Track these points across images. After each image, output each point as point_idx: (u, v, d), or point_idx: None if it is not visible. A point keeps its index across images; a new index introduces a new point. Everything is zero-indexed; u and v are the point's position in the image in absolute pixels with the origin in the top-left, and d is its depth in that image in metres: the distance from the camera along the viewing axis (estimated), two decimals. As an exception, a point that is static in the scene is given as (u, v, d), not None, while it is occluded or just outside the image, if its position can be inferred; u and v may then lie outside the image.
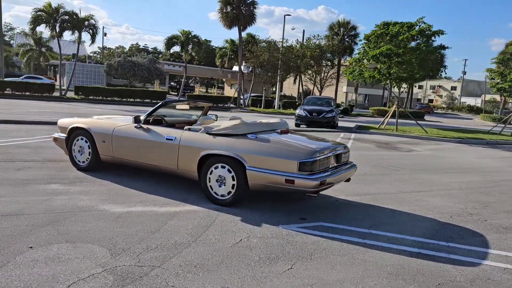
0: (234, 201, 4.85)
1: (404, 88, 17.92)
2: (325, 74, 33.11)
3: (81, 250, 3.36)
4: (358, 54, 17.95)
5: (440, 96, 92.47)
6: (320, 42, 32.63)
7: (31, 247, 3.33)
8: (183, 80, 37.27)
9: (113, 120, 6.11)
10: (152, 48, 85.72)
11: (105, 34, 74.87)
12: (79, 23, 26.42)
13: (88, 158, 6.03)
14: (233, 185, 4.81)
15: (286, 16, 40.49)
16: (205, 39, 72.68)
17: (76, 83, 36.71)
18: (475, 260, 3.83)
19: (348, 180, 5.53)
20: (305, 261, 3.50)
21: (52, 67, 52.13)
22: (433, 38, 16.59)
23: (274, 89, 41.68)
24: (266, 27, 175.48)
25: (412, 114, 35.22)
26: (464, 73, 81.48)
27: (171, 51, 45.74)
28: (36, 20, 25.43)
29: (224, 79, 61.76)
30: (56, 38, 27.09)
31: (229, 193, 4.86)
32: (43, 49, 48.15)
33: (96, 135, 5.86)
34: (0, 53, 29.42)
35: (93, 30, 27.31)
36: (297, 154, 4.56)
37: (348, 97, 62.04)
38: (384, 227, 4.61)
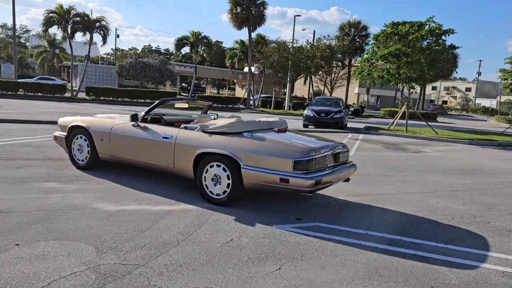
0: (230, 200, 4.79)
1: (414, 88, 17.60)
2: (336, 75, 32.87)
3: (67, 248, 3.33)
4: (367, 54, 17.74)
5: (455, 98, 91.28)
6: (330, 43, 32.43)
7: (17, 245, 3.31)
8: (193, 81, 37.36)
9: (111, 118, 6.10)
10: (164, 50, 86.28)
11: (118, 36, 75.66)
12: (90, 25, 26.68)
13: (87, 157, 6.03)
14: (228, 184, 4.75)
15: (298, 17, 40.40)
16: (217, 40, 73.05)
17: (88, 84, 37.12)
18: (472, 263, 3.70)
19: (347, 180, 5.43)
20: (295, 262, 3.42)
21: (65, 68, 52.79)
22: (443, 37, 16.32)
23: (284, 90, 41.54)
24: (279, 29, 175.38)
25: (424, 115, 34.86)
26: (479, 74, 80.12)
27: (182, 52, 45.93)
28: (48, 22, 25.75)
29: (235, 80, 61.88)
30: (68, 39, 27.39)
31: (224, 192, 4.80)
32: (57, 51, 48.77)
33: (95, 134, 5.86)
34: (14, 55, 29.88)
35: (104, 32, 27.54)
36: (292, 152, 4.48)
37: (360, 98, 61.63)
38: (381, 228, 4.50)
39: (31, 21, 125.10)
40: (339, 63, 33.08)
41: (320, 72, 32.38)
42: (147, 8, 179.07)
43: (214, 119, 5.75)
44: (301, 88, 53.43)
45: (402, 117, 18.82)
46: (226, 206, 4.78)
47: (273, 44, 32.42)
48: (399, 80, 16.98)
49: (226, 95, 52.87)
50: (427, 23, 16.33)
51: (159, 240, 3.65)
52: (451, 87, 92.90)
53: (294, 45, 31.78)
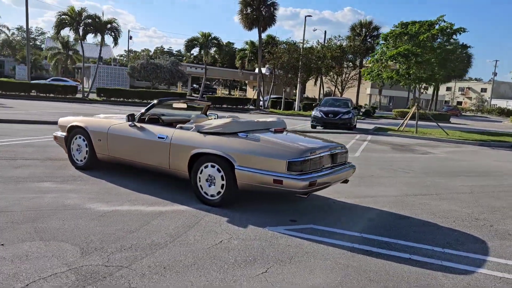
0: (224, 201, 4.72)
1: (425, 89, 17.34)
2: (347, 76, 32.61)
3: (52, 248, 3.30)
4: (376, 54, 17.52)
5: (470, 98, 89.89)
6: (341, 43, 32.19)
7: (2, 245, 3.30)
8: (203, 82, 37.45)
9: (110, 118, 6.09)
10: (176, 51, 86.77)
11: (130, 38, 76.23)
12: (101, 26, 26.97)
13: (85, 157, 6.03)
14: (223, 185, 4.69)
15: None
16: (228, 42, 73.15)
17: (100, 85, 37.50)
18: (469, 268, 3.57)
19: (345, 181, 5.32)
20: (282, 265, 3.34)
21: (79, 70, 53.37)
22: (454, 36, 16.03)
23: (295, 91, 41.37)
24: (292, 29, 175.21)
25: (436, 116, 34.38)
26: (495, 74, 78.96)
27: (194, 53, 46.20)
28: (60, 24, 26.09)
29: (246, 81, 61.87)
30: (79, 41, 27.71)
31: (218, 193, 4.73)
32: (70, 52, 49.31)
33: (93, 134, 5.86)
34: (27, 57, 30.33)
35: (115, 33, 27.83)
36: (286, 153, 4.40)
37: (372, 99, 61.11)
38: (377, 231, 4.39)
39: (47, 23, 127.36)
40: (350, 63, 32.80)
41: (331, 73, 32.17)
42: (161, 10, 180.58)
43: (215, 119, 5.69)
44: (313, 89, 53.16)
45: (414, 118, 18.54)
46: (221, 207, 4.72)
47: (283, 44, 32.29)
48: (409, 81, 16.73)
49: (237, 96, 52.84)
50: (438, 22, 16.06)
51: (146, 242, 3.60)
52: (466, 87, 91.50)
53: (305, 45, 31.62)
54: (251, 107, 32.17)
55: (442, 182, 7.43)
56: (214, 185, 4.75)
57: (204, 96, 35.37)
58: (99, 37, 27.67)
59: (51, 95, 25.61)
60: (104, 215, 4.22)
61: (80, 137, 6.04)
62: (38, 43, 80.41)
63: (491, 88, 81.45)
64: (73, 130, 6.12)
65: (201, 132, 4.95)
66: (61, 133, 6.35)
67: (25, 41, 74.91)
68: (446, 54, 16.04)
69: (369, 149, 11.84)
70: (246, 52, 37.57)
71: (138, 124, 5.51)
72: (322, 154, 4.68)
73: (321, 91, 39.12)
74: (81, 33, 26.59)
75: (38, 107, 18.19)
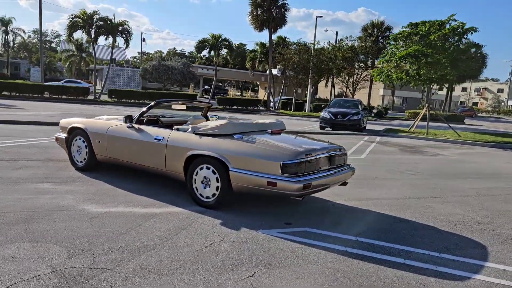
0: (219, 203, 4.67)
1: (436, 89, 17.05)
2: (358, 76, 32.31)
3: (40, 250, 3.29)
4: (385, 56, 17.30)
5: (486, 99, 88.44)
6: (353, 44, 31.92)
7: (-10, 245, 3.30)
8: (213, 83, 37.53)
9: (110, 120, 6.10)
10: (189, 53, 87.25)
11: (143, 40, 76.80)
12: (113, 29, 27.23)
13: (85, 158, 6.05)
14: (218, 187, 4.65)
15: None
16: (240, 43, 73.27)
17: (113, 86, 37.90)
18: (465, 273, 3.45)
19: (344, 184, 5.23)
20: (270, 269, 3.27)
21: (92, 72, 54.04)
22: (465, 36, 15.73)
23: (307, 92, 41.19)
24: (304, 30, 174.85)
25: (450, 117, 33.88)
26: (512, 74, 77.29)
27: (206, 55, 46.27)
28: (72, 26, 26.43)
29: (258, 82, 61.86)
30: (91, 43, 28.02)
31: (213, 195, 4.69)
32: (84, 54, 50.00)
33: (92, 135, 5.87)
34: (40, 59, 30.79)
35: (127, 35, 28.07)
36: (280, 155, 4.33)
37: (385, 100, 60.53)
38: (373, 234, 4.29)
39: (62, 26, 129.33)
40: (362, 64, 32.48)
41: (342, 74, 31.91)
42: (174, 12, 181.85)
43: (211, 121, 5.66)
44: (324, 90, 52.86)
45: (426, 119, 18.22)
46: (215, 209, 4.68)
47: (294, 46, 32.17)
48: (419, 82, 16.47)
49: (249, 97, 52.85)
50: (448, 21, 15.78)
51: (135, 244, 3.58)
52: (482, 88, 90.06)
53: (316, 46, 31.45)
54: (261, 108, 32.13)
55: (448, 185, 7.27)
56: (209, 187, 4.71)
57: (214, 97, 35.43)
58: (111, 39, 27.93)
59: (64, 96, 25.94)
60: (96, 216, 4.21)
61: (80, 139, 6.06)
62: (54, 46, 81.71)
63: (508, 88, 79.92)
64: (74, 132, 6.15)
65: (197, 134, 4.92)
66: (62, 135, 6.38)
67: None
68: (458, 54, 15.73)
69: (376, 150, 11.68)
70: (256, 53, 37.52)
71: (136, 126, 5.50)
72: (318, 156, 4.61)
73: (333, 92, 38.87)
74: (93, 35, 26.89)
75: (49, 108, 18.43)
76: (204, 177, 4.73)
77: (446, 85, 35.61)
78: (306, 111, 32.66)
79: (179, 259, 3.33)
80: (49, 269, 2.97)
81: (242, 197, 5.09)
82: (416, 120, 18.61)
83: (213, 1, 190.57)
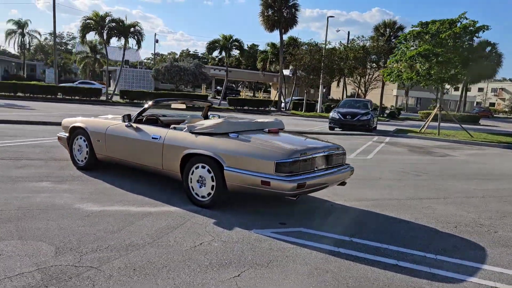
0: (214, 202, 4.64)
1: (447, 89, 16.77)
2: (370, 77, 32.01)
3: (28, 247, 3.30)
4: (395, 55, 17.07)
5: (503, 100, 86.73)
6: (364, 43, 31.63)
7: (-20, 243, 3.33)
8: (224, 83, 37.59)
9: (110, 119, 6.13)
10: (202, 54, 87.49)
11: (157, 41, 77.39)
12: (125, 30, 27.46)
13: (86, 157, 6.08)
14: (213, 186, 4.62)
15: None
16: (253, 44, 73.29)
17: (126, 87, 38.28)
18: (459, 276, 3.35)
19: (343, 183, 5.16)
20: (258, 269, 3.22)
21: (107, 73, 54.66)
22: (476, 34, 15.42)
23: (319, 91, 40.97)
24: (318, 31, 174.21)
25: (465, 118, 33.33)
26: (529, 74, 75.60)
27: (219, 56, 46.31)
28: (85, 28, 26.75)
29: (270, 83, 61.79)
30: (104, 44, 28.33)
31: (209, 194, 4.66)
32: (98, 56, 50.58)
33: (92, 134, 5.90)
34: (54, 61, 31.26)
35: (138, 37, 28.28)
36: (274, 154, 4.28)
37: (398, 100, 59.89)
38: (369, 235, 4.20)
39: (78, 28, 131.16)
40: (374, 64, 32.16)
41: (354, 74, 31.62)
42: (188, 14, 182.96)
43: (207, 120, 5.63)
44: (337, 91, 52.53)
45: (442, 120, 17.88)
46: (211, 208, 4.65)
47: (305, 46, 32.03)
48: (430, 81, 16.21)
49: (261, 98, 52.81)
50: (459, 20, 15.50)
51: (125, 242, 3.57)
52: (499, 88, 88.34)
53: (327, 46, 31.25)
54: (272, 108, 32.06)
55: (454, 186, 7.13)
56: (205, 186, 4.68)
57: (226, 98, 35.50)
58: (123, 41, 28.19)
59: (76, 97, 26.26)
60: (90, 215, 4.22)
61: (81, 138, 6.10)
62: (70, 48, 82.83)
63: (526, 88, 78.27)
64: (75, 131, 6.19)
65: (193, 133, 4.90)
66: (64, 134, 6.43)
67: (58, 46, 77.38)
68: (469, 52, 15.42)
69: (384, 151, 11.52)
70: (267, 54, 37.47)
71: (134, 125, 5.51)
72: (314, 155, 4.54)
73: (345, 93, 38.58)
74: (105, 36, 27.17)
75: (61, 109, 18.67)
76: (200, 176, 4.71)
77: (460, 85, 35.08)
78: (318, 111, 32.48)
79: (166, 258, 3.31)
80: (34, 267, 2.97)
81: (240, 196, 5.06)
82: (427, 121, 18.33)
83: (226, 3, 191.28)
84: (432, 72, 16.08)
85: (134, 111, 6.07)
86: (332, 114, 17.56)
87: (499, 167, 10.00)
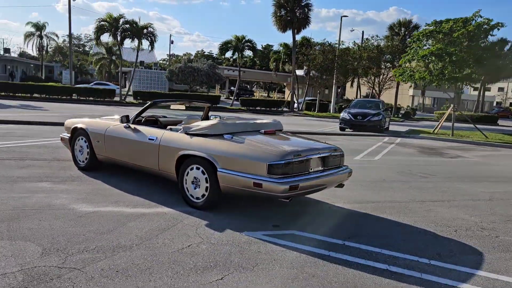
0: (208, 204, 4.62)
1: (462, 89, 16.43)
2: (384, 76, 31.58)
3: (15, 248, 3.32)
4: (408, 55, 16.79)
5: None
6: (379, 43, 31.23)
7: (-32, 243, 3.36)
8: (237, 84, 37.64)
9: (109, 120, 6.16)
10: (216, 54, 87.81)
11: (172, 42, 78.23)
12: (138, 31, 27.74)
13: (86, 158, 6.13)
14: (207, 187, 4.59)
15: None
16: (267, 44, 73.24)
17: (141, 88, 38.62)
18: (450, 282, 3.25)
19: (341, 185, 5.07)
20: (243, 272, 3.18)
21: (122, 74, 55.32)
22: (491, 32, 15.06)
23: (332, 91, 40.67)
24: (335, 31, 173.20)
25: (482, 118, 32.65)
26: (551, 73, 73.63)
27: (234, 56, 46.27)
28: (99, 29, 27.11)
29: (284, 83, 61.62)
30: (118, 45, 28.66)
31: (203, 195, 4.64)
32: (113, 57, 51.25)
33: (92, 135, 5.95)
34: (70, 62, 31.76)
35: (152, 38, 28.53)
36: (267, 155, 4.23)
37: (415, 100, 59.06)
38: (363, 239, 4.12)
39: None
40: (388, 64, 31.73)
41: (368, 74, 31.25)
42: (205, 15, 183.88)
43: (203, 121, 5.61)
44: (352, 91, 52.07)
45: (457, 121, 17.50)
46: (206, 210, 4.62)
47: (318, 46, 31.83)
48: (443, 81, 15.89)
49: (275, 98, 52.71)
50: (474, 18, 15.16)
51: (113, 244, 3.56)
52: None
53: (340, 46, 30.99)
54: (285, 109, 31.95)
55: (461, 188, 6.95)
56: (199, 187, 4.66)
57: (238, 98, 35.53)
58: (136, 42, 28.49)
59: (91, 98, 26.65)
60: (83, 216, 4.24)
61: (82, 139, 6.15)
62: (87, 49, 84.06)
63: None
64: (76, 132, 6.24)
65: (188, 134, 4.88)
66: (66, 135, 6.50)
67: (75, 48, 78.67)
68: (483, 52, 15.07)
69: (393, 152, 11.34)
70: (280, 54, 37.38)
71: (132, 126, 5.53)
72: (309, 157, 4.48)
73: (359, 93, 38.21)
74: (119, 38, 27.50)
75: (74, 109, 18.93)
76: (194, 177, 4.69)
77: (477, 84, 34.35)
78: (331, 112, 32.24)
79: (151, 260, 3.29)
80: (17, 267, 2.99)
81: (236, 198, 5.02)
82: (441, 121, 18.00)
83: (242, 3, 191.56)
84: (446, 71, 15.77)
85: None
86: (343, 114, 17.39)
87: (511, 169, 9.75)
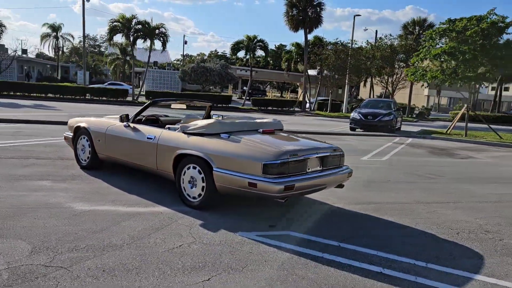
0: (204, 204, 4.58)
1: (477, 89, 16.09)
2: (398, 76, 31.18)
3: (5, 246, 3.33)
4: (420, 53, 16.51)
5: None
6: (392, 42, 30.84)
7: (-40, 240, 3.38)
8: (248, 84, 37.66)
9: (111, 119, 6.18)
10: (229, 54, 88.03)
11: (185, 42, 78.42)
12: (150, 32, 27.94)
13: (88, 157, 6.15)
14: (203, 187, 4.55)
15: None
16: (280, 44, 73.08)
17: (153, 88, 38.92)
18: (446, 286, 3.14)
19: (340, 186, 4.97)
20: (231, 273, 3.13)
21: (136, 74, 55.87)
22: (506, 30, 14.72)
23: (349, 92, 40.33)
24: (349, 30, 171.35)
25: (499, 118, 31.98)
26: None
27: (247, 57, 46.21)
28: (112, 30, 27.40)
29: (298, 83, 61.41)
30: (130, 46, 28.91)
31: (199, 195, 4.60)
32: (128, 58, 51.71)
33: (94, 134, 5.97)
34: (83, 63, 32.15)
35: (164, 38, 28.72)
36: (262, 155, 4.17)
37: (430, 100, 58.26)
38: (360, 241, 4.02)
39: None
40: (402, 63, 31.31)
41: (381, 74, 30.89)
42: (219, 15, 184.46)
43: (200, 120, 5.57)
44: (366, 91, 51.59)
45: (472, 121, 17.13)
46: (202, 209, 4.59)
47: (331, 45, 31.61)
48: (456, 80, 15.58)
49: (288, 98, 52.56)
50: (488, 16, 14.82)
51: (104, 243, 3.55)
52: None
53: (353, 45, 30.72)
54: (296, 109, 31.82)
55: (469, 189, 6.78)
56: (196, 187, 4.62)
57: (248, 98, 35.51)
58: (148, 42, 28.71)
59: (104, 98, 26.95)
60: (78, 214, 4.24)
61: (84, 138, 6.18)
62: (103, 50, 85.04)
63: None
64: (79, 131, 6.28)
65: (185, 133, 4.85)
66: (69, 134, 6.54)
67: (91, 48, 79.75)
68: (497, 50, 14.72)
69: (402, 152, 11.16)
70: (292, 53, 37.26)
71: (132, 125, 5.53)
72: (306, 157, 4.40)
73: (372, 93, 37.82)
74: (131, 38, 27.74)
75: (86, 109, 19.14)
76: (191, 177, 4.65)
77: (494, 84, 33.68)
78: (343, 112, 31.98)
79: (140, 259, 3.26)
80: (4, 265, 2.99)
81: (234, 197, 4.97)
82: (454, 121, 17.65)
83: (256, 3, 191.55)
84: (459, 70, 15.47)
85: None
86: (353, 114, 17.21)
87: (524, 170, 9.48)
